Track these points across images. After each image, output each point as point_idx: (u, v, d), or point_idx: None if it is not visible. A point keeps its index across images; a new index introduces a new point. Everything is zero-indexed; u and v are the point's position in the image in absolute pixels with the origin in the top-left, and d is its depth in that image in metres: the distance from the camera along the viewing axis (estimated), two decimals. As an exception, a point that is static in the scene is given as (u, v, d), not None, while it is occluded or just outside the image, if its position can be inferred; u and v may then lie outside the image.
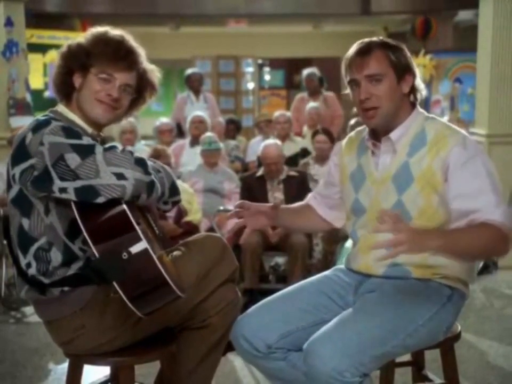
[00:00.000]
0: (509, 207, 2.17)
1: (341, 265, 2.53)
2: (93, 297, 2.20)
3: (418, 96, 2.33)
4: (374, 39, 2.29)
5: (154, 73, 2.42)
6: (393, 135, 2.28)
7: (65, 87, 2.30)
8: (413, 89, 2.31)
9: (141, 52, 2.34)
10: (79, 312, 2.21)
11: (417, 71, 2.31)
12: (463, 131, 2.29)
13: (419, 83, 2.32)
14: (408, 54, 2.30)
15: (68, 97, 2.32)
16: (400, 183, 2.26)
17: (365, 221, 2.37)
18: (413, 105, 2.34)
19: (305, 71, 8.16)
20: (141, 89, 2.38)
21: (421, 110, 2.35)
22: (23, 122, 5.53)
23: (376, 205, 2.32)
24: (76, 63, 2.26)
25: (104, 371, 2.66)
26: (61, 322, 2.24)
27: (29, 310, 4.58)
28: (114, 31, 2.30)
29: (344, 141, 2.54)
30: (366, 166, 2.38)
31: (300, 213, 2.64)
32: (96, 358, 2.29)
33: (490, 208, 2.12)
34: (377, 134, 2.34)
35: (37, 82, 6.11)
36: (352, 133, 2.53)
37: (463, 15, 10.74)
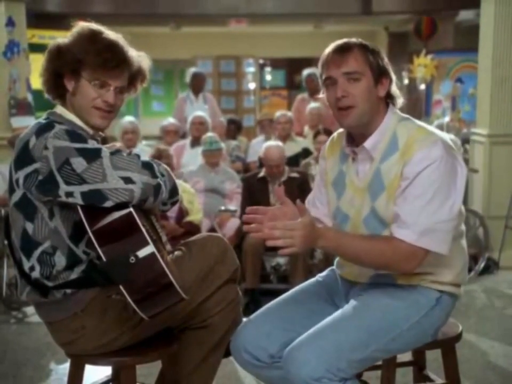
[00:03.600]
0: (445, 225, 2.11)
1: (333, 268, 2.51)
2: (94, 299, 2.20)
3: (399, 101, 2.27)
4: (352, 39, 2.24)
5: (145, 61, 2.36)
6: (368, 143, 2.23)
7: (58, 89, 2.27)
8: (389, 95, 2.26)
9: (132, 52, 2.29)
10: (80, 313, 2.21)
11: (393, 76, 2.25)
12: (438, 133, 2.20)
13: (395, 90, 2.26)
14: (386, 59, 2.25)
15: (61, 97, 2.28)
16: (373, 191, 2.22)
17: (349, 229, 2.32)
18: (386, 108, 2.27)
19: (305, 71, 8.15)
20: (133, 80, 2.34)
21: (395, 111, 2.27)
22: (24, 122, 5.55)
23: (358, 214, 2.28)
24: (66, 67, 2.21)
25: (105, 371, 2.66)
26: (62, 323, 2.24)
27: (30, 310, 4.58)
28: (104, 35, 2.23)
29: (326, 144, 2.48)
30: (347, 174, 2.33)
31: None
32: (97, 358, 2.29)
33: (412, 223, 2.09)
34: (354, 140, 2.29)
35: (38, 82, 6.10)
36: (335, 134, 2.46)
37: (464, 15, 10.73)
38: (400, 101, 2.28)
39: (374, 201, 2.22)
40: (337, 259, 2.47)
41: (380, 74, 2.20)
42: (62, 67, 2.22)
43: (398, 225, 2.12)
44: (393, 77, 2.25)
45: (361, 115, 2.19)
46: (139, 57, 2.34)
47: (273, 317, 2.35)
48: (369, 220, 2.24)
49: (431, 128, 2.25)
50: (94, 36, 2.22)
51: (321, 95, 2.30)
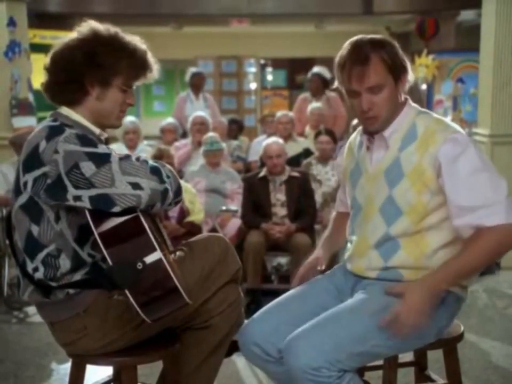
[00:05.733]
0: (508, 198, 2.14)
1: (342, 263, 2.52)
2: (96, 299, 2.20)
3: (407, 85, 2.27)
4: (366, 41, 2.21)
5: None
6: (387, 132, 2.27)
7: (75, 93, 2.21)
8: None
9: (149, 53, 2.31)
10: (82, 314, 2.21)
11: (409, 66, 2.26)
12: (453, 125, 2.25)
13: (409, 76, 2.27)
14: (400, 50, 2.25)
15: (73, 101, 2.23)
16: (391, 178, 2.25)
17: (360, 220, 2.36)
18: (405, 100, 2.31)
19: (314, 69, 7.99)
20: None
21: (413, 105, 2.32)
22: (25, 122, 5.55)
23: (370, 202, 2.31)
24: (96, 77, 2.18)
25: (107, 371, 2.67)
26: (64, 323, 2.24)
27: (32, 310, 4.58)
28: (134, 44, 2.24)
29: (347, 142, 2.54)
30: (362, 163, 2.37)
31: (342, 229, 2.58)
32: (99, 358, 2.29)
33: (489, 205, 2.10)
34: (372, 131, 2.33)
35: (39, 82, 6.13)
36: (354, 134, 2.51)
37: (466, 15, 10.72)
38: (409, 83, 2.28)
39: (392, 189, 2.24)
40: (347, 254, 2.47)
41: (399, 73, 2.23)
42: (91, 76, 2.19)
43: (479, 215, 2.11)
44: (408, 66, 2.26)
45: (386, 120, 2.25)
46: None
47: (283, 312, 2.36)
48: (386, 208, 2.26)
49: (447, 120, 2.29)
50: (126, 47, 2.22)
51: (334, 86, 2.32)
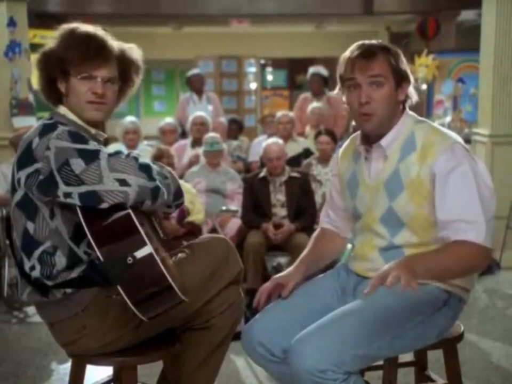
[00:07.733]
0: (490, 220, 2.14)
1: (344, 262, 2.52)
2: (94, 299, 2.20)
3: (409, 102, 2.32)
4: (374, 42, 2.27)
5: (135, 51, 2.38)
6: (384, 141, 2.27)
7: (54, 93, 2.30)
8: (406, 97, 2.31)
9: (113, 42, 2.29)
10: (81, 313, 2.21)
11: (412, 79, 2.29)
12: (454, 135, 2.26)
13: (411, 91, 2.30)
14: (405, 60, 2.29)
15: (60, 101, 2.30)
16: (391, 190, 2.25)
17: (360, 227, 2.37)
18: (403, 109, 2.32)
19: (311, 70, 8.02)
20: (125, 72, 2.35)
21: (411, 113, 2.33)
22: (25, 122, 5.54)
23: (369, 211, 2.32)
24: (54, 70, 2.25)
25: (107, 371, 2.66)
26: (63, 323, 2.24)
27: (32, 310, 4.58)
28: (82, 28, 2.26)
29: (340, 150, 2.53)
30: (359, 173, 2.37)
31: (321, 252, 2.57)
32: (99, 358, 2.29)
33: (472, 222, 2.11)
34: (369, 139, 2.32)
35: (39, 82, 6.10)
36: (347, 141, 2.52)
37: (466, 15, 10.72)
38: (414, 99, 2.32)
39: (392, 200, 2.25)
40: (350, 254, 2.46)
41: (401, 79, 2.25)
42: (52, 71, 2.25)
43: (459, 229, 2.12)
44: (412, 79, 2.29)
45: (381, 121, 2.24)
46: (130, 48, 2.36)
47: (288, 311, 2.35)
48: (387, 219, 2.26)
49: (446, 130, 2.29)
50: (71, 32, 2.25)
51: (336, 91, 2.33)
